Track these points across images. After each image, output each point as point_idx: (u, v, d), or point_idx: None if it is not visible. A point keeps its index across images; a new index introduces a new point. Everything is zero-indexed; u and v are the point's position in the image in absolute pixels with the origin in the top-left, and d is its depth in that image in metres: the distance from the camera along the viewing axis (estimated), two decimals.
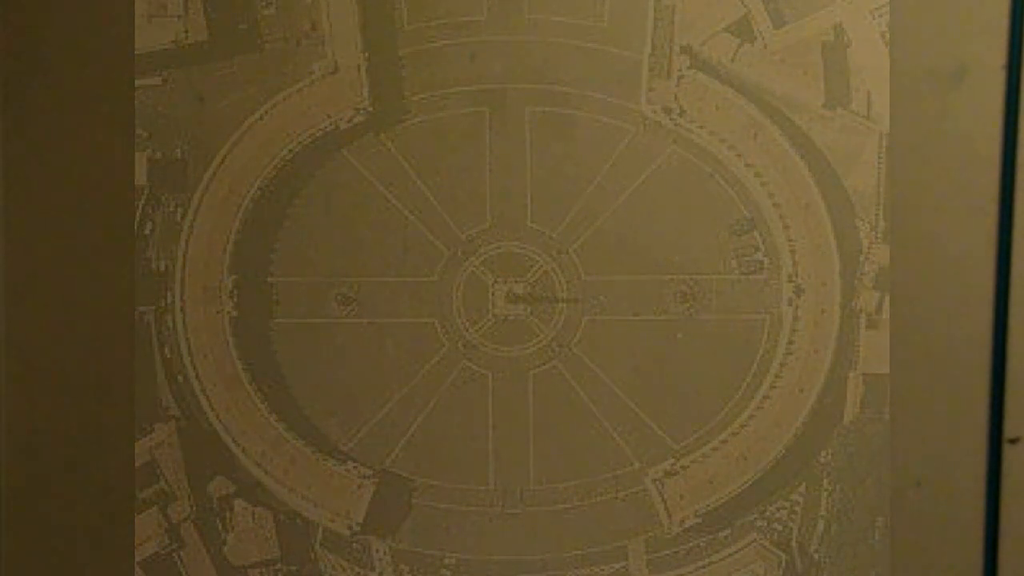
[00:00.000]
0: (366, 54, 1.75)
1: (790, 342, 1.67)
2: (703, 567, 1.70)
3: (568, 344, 1.73)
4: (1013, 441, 1.58)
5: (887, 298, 1.64)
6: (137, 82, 1.92)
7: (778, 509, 1.69)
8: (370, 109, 1.75)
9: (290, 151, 1.79)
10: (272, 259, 1.79)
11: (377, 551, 1.77)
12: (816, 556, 1.67)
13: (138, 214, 1.93)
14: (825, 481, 1.67)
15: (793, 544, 1.68)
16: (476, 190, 1.73)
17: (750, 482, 1.68)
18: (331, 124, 1.77)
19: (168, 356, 1.88)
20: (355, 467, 1.76)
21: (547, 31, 1.71)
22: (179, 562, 1.88)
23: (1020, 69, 1.55)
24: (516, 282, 1.75)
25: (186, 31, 1.84)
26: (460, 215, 1.74)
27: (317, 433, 1.77)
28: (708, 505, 1.70)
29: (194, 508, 1.84)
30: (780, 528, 1.68)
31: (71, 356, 2.17)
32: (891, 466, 1.64)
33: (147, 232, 1.92)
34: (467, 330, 1.75)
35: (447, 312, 1.76)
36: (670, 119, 1.69)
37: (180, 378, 1.87)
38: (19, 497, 2.24)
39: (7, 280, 2.20)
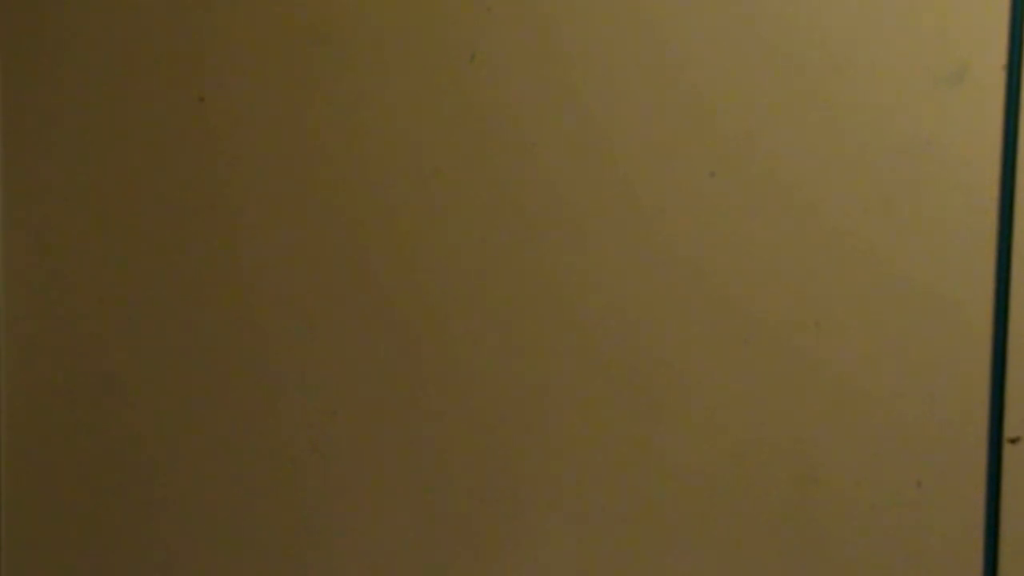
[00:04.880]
0: None
1: None
2: None
3: None
4: (1013, 441, 1.58)
5: None
6: None
7: None
8: None
9: None
10: None
11: None
12: None
13: None
14: None
15: None
16: None
17: None
18: None
19: None
20: None
21: None
22: None
23: (1020, 69, 1.55)
24: None
25: None
26: None
27: None
28: None
29: None
30: None
31: (72, 356, 2.17)
32: (891, 466, 1.64)
33: None
34: None
35: None
36: None
37: None
38: (19, 497, 2.24)
39: (7, 280, 2.21)
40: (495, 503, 1.88)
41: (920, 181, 1.60)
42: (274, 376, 2.02)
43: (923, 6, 1.59)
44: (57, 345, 2.19)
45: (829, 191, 1.66)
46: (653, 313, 1.76)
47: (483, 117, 1.85)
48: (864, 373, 1.65)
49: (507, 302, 1.85)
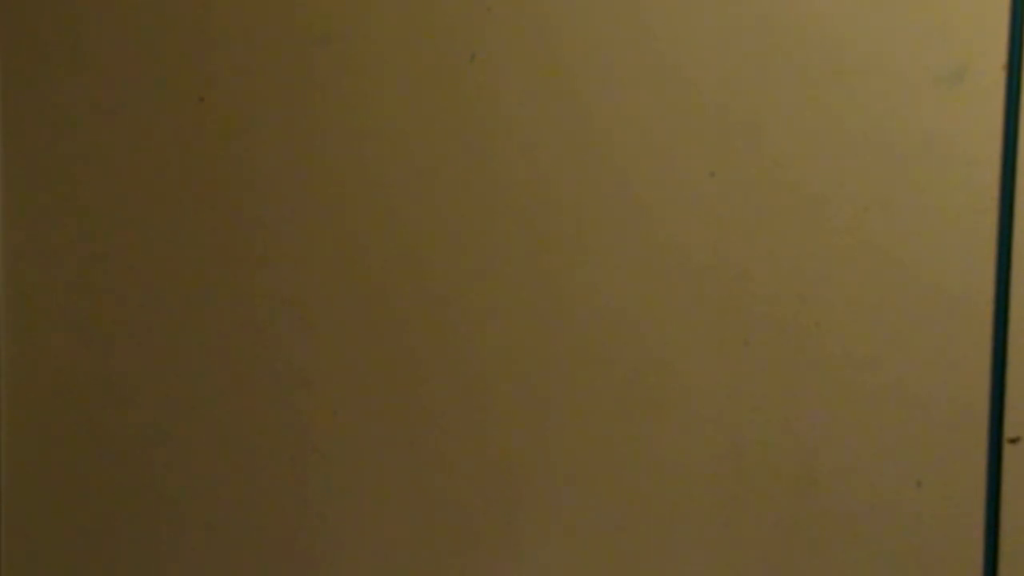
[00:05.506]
0: None
1: None
2: None
3: None
4: (1013, 441, 1.58)
5: None
6: None
7: None
8: None
9: None
10: None
11: None
12: None
13: None
14: None
15: None
16: None
17: None
18: None
19: None
20: None
21: None
22: None
23: (1020, 69, 1.55)
24: None
25: None
26: None
27: None
28: None
29: None
30: None
31: (72, 356, 2.17)
32: (891, 466, 1.64)
33: None
34: None
35: None
36: None
37: None
38: (19, 497, 2.24)
39: (7, 280, 2.21)
40: (495, 502, 1.88)
41: (920, 181, 1.60)
42: (274, 376, 2.02)
43: (923, 6, 1.59)
44: (57, 345, 2.19)
45: (829, 191, 1.66)
46: (653, 313, 1.76)
47: (483, 117, 1.85)
48: (864, 373, 1.65)
49: (507, 302, 1.85)
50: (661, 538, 1.78)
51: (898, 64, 1.60)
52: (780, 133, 1.68)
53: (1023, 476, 1.58)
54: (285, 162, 1.99)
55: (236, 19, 2.00)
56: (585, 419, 1.81)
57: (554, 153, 1.81)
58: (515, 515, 1.87)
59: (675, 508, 1.77)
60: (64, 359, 2.18)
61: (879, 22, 1.62)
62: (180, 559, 2.12)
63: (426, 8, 1.87)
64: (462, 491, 1.90)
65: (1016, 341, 1.57)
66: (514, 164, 1.83)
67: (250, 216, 2.02)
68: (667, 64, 1.74)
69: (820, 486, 1.68)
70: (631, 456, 1.79)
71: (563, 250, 1.81)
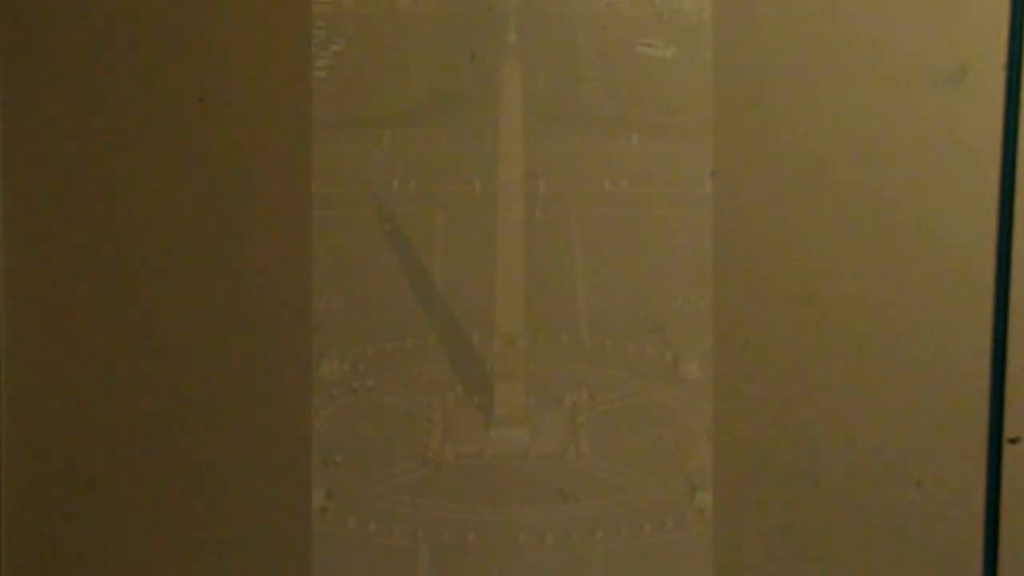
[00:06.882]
0: None
1: None
2: None
3: None
4: (1013, 441, 1.58)
5: None
6: None
7: None
8: None
9: None
10: None
11: None
12: None
13: None
14: None
15: None
16: None
17: None
18: None
19: None
20: None
21: None
22: None
23: (1020, 69, 1.55)
24: None
25: None
26: None
27: None
28: None
29: None
30: None
31: (72, 356, 2.17)
32: (891, 466, 1.64)
33: None
34: None
35: None
36: None
37: None
38: (19, 497, 2.24)
39: (7, 280, 2.20)
40: (495, 501, 1.88)
41: (920, 181, 1.60)
42: (275, 376, 2.02)
43: (923, 6, 1.59)
44: (57, 345, 2.18)
45: (828, 191, 1.65)
46: (652, 313, 1.76)
47: (482, 117, 1.85)
48: (864, 373, 1.65)
49: (506, 301, 1.85)
50: (660, 537, 1.78)
51: (898, 64, 1.60)
52: (780, 133, 1.67)
53: (1023, 476, 1.58)
54: (285, 162, 1.98)
55: (236, 19, 2.00)
56: (583, 418, 1.81)
57: (554, 153, 1.80)
58: (515, 515, 1.87)
59: (674, 508, 1.77)
60: (64, 359, 2.18)
61: (879, 22, 1.61)
62: (180, 559, 2.11)
63: (426, 7, 1.87)
64: (460, 487, 1.90)
65: (1016, 341, 1.57)
66: (514, 164, 1.83)
67: (251, 216, 2.01)
68: (667, 63, 1.73)
69: (820, 486, 1.68)
70: (629, 456, 1.78)
71: (562, 250, 1.81)
